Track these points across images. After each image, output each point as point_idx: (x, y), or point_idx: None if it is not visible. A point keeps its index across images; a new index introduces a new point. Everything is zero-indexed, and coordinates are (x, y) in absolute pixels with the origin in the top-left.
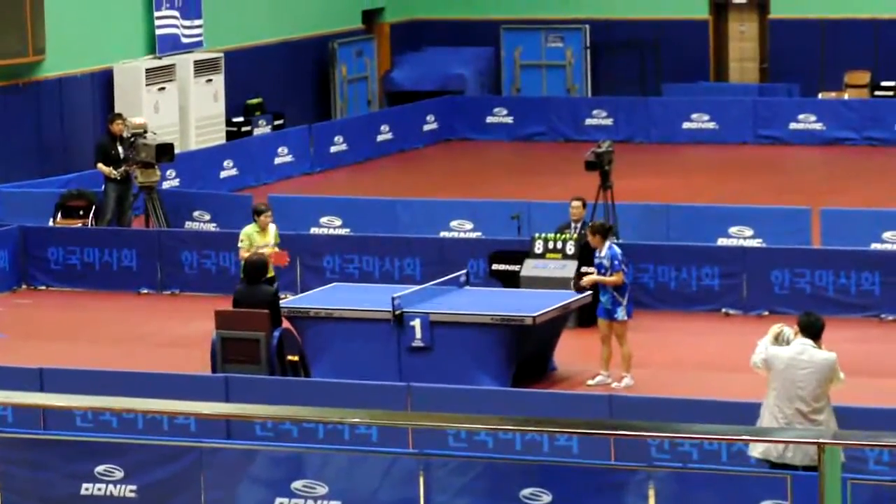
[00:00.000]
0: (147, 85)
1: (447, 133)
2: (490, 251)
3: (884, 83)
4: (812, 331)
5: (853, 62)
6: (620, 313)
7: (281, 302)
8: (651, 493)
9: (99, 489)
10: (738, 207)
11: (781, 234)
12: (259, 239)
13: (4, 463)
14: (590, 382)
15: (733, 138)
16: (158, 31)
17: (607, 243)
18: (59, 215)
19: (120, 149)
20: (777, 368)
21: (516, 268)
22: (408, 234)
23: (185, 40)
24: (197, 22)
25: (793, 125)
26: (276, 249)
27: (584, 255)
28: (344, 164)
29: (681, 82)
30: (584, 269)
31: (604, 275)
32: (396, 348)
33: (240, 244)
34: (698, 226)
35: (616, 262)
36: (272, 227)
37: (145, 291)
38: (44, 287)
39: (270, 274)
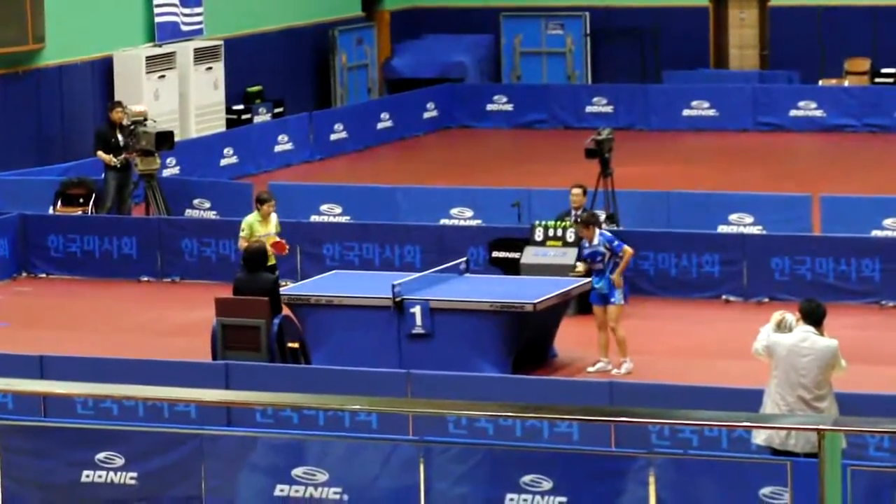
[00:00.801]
0: (147, 73)
1: (447, 121)
2: (490, 238)
3: (884, 70)
4: (813, 317)
5: (853, 49)
6: (618, 296)
7: (281, 289)
8: (651, 479)
9: (100, 476)
10: (739, 194)
11: (782, 221)
12: (260, 228)
13: (5, 450)
14: (590, 369)
15: (733, 125)
16: (158, 19)
17: (597, 231)
18: (59, 203)
19: (120, 137)
20: (779, 355)
21: (516, 255)
22: (408, 222)
23: (184, 28)
24: (197, 9)
25: (793, 112)
26: (277, 238)
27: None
28: (344, 152)
29: (681, 69)
30: (578, 268)
31: (601, 261)
32: (397, 335)
33: (241, 233)
34: (699, 213)
35: (616, 244)
36: (274, 217)
37: (145, 279)
38: (44, 275)
39: (271, 262)
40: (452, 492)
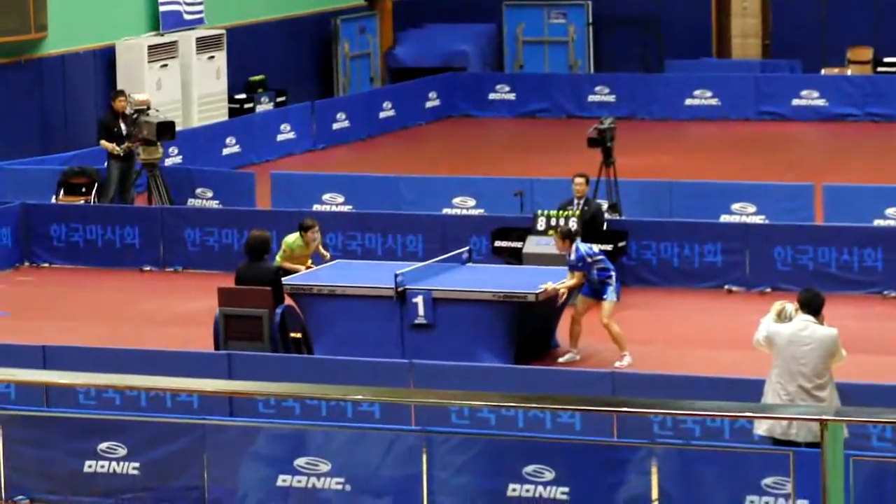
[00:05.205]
0: (149, 62)
1: (450, 110)
2: (492, 228)
3: (886, 59)
4: (812, 307)
5: (856, 38)
6: (610, 293)
7: (283, 279)
8: (653, 469)
9: (102, 466)
10: (741, 184)
11: (784, 211)
12: (300, 252)
13: (8, 440)
14: (561, 360)
15: (736, 115)
16: (161, 8)
17: (574, 245)
18: (62, 192)
19: (123, 126)
20: (779, 345)
21: (519, 244)
22: (410, 211)
23: (187, 17)
24: None
25: (795, 101)
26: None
27: (587, 232)
28: (346, 141)
29: (683, 58)
30: (547, 285)
31: (585, 267)
32: (399, 325)
33: (280, 253)
34: (701, 202)
35: (580, 264)
36: (318, 240)
37: (148, 269)
38: (46, 264)
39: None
40: (454, 481)
